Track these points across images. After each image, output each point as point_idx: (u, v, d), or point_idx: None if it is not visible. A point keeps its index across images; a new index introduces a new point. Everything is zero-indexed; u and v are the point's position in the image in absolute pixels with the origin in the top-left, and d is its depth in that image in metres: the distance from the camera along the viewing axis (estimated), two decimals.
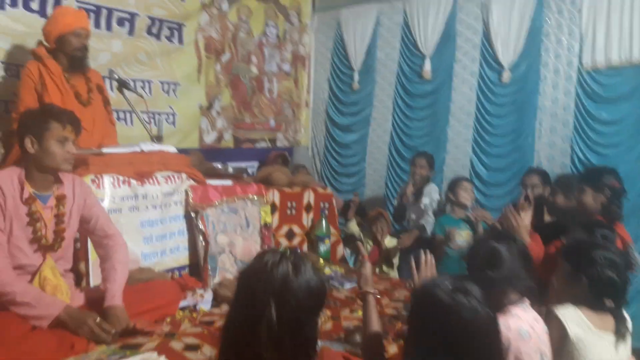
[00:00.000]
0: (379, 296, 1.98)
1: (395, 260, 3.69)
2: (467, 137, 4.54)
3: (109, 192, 2.38)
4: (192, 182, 2.79)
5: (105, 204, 2.35)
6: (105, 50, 3.72)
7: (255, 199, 3.00)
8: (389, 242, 3.66)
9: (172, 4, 4.16)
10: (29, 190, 1.91)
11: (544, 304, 1.85)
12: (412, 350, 1.32)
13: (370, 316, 1.79)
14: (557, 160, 4.08)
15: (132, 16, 3.88)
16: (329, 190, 3.71)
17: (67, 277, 2.04)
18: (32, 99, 2.70)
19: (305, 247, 3.41)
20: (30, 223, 1.90)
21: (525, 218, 2.54)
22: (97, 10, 3.66)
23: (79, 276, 2.22)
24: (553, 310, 1.76)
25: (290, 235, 3.36)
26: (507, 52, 4.25)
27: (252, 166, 4.82)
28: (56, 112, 1.96)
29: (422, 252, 2.04)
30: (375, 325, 1.77)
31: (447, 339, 1.22)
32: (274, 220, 3.18)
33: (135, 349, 1.87)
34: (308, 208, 3.44)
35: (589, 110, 3.94)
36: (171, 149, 2.87)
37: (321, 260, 3.24)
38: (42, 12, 3.33)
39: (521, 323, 1.63)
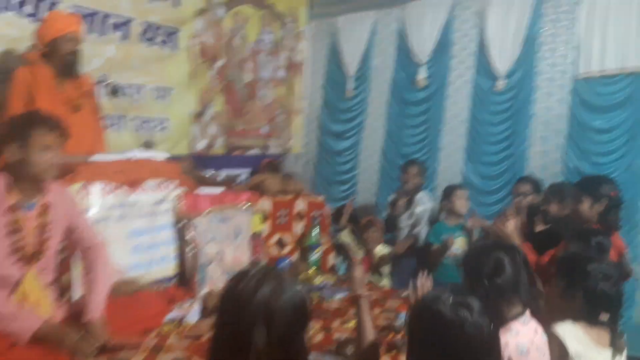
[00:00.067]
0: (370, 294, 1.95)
1: (386, 269, 3.66)
2: (460, 145, 4.55)
3: (97, 200, 2.35)
4: (181, 190, 2.76)
5: (93, 213, 2.31)
6: (99, 55, 3.69)
7: (246, 207, 2.98)
8: (381, 250, 3.64)
9: (167, 9, 4.15)
10: (12, 199, 1.87)
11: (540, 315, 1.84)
12: None
13: (364, 322, 1.75)
14: (550, 168, 4.08)
15: (127, 21, 3.86)
16: (321, 198, 3.69)
17: (50, 289, 2.00)
18: (21, 104, 2.67)
19: (295, 256, 3.38)
20: (12, 232, 1.85)
21: (510, 226, 2.53)
22: (92, 15, 3.64)
23: (62, 288, 2.18)
24: (552, 328, 1.74)
25: (280, 244, 3.33)
26: (502, 60, 4.25)
27: (244, 173, 4.79)
28: (39, 119, 1.91)
29: (420, 273, 2.03)
30: (370, 332, 1.74)
31: (449, 354, 1.23)
32: (264, 228, 3.15)
33: None
34: (300, 216, 3.42)
35: (582, 118, 3.95)
36: (162, 155, 2.85)
37: (311, 270, 3.21)
38: (35, 16, 3.31)
39: (520, 339, 1.62)
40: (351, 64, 5.14)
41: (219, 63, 4.69)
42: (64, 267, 2.18)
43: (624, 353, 1.82)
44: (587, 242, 2.27)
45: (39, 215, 1.93)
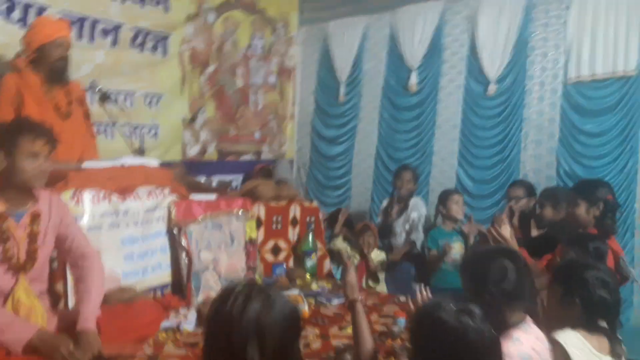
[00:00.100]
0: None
1: (382, 275, 3.64)
2: (453, 150, 4.55)
3: (88, 208, 2.30)
4: (174, 197, 2.71)
5: (85, 220, 2.26)
6: (88, 61, 3.65)
7: (240, 213, 2.94)
8: (377, 255, 3.62)
9: (156, 15, 4.12)
10: (0, 207, 1.83)
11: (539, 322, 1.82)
12: None
13: (361, 328, 1.73)
14: (543, 172, 4.10)
15: (116, 27, 3.82)
16: (315, 203, 3.67)
17: (42, 298, 1.95)
18: (10, 112, 2.62)
19: (291, 262, 3.35)
20: (0, 242, 1.81)
21: (506, 231, 2.52)
22: (81, 21, 3.60)
23: (55, 298, 2.13)
24: (554, 336, 1.73)
25: (276, 250, 3.30)
26: (494, 65, 4.27)
27: (236, 179, 4.76)
28: (25, 126, 1.87)
29: (419, 287, 2.03)
30: (368, 336, 1.72)
31: None
32: (259, 235, 3.12)
33: None
34: (294, 222, 3.39)
35: (574, 122, 3.97)
36: (154, 162, 2.80)
37: (308, 276, 3.18)
38: (23, 22, 3.27)
39: (522, 347, 1.59)
40: (343, 69, 5.14)
41: (210, 68, 4.66)
42: (58, 275, 2.14)
43: (623, 359, 1.82)
44: (585, 247, 2.26)
45: (29, 224, 1.89)
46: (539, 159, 4.13)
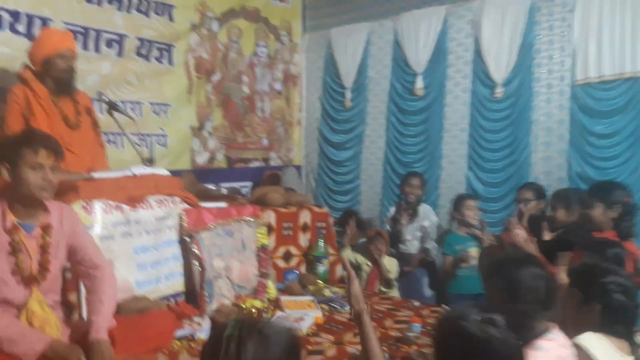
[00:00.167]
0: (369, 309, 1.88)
1: (395, 281, 3.61)
2: (461, 153, 4.52)
3: (100, 218, 2.29)
4: (185, 205, 2.70)
5: (97, 230, 2.25)
6: (94, 72, 3.67)
7: (251, 220, 2.92)
8: (388, 262, 3.58)
9: (161, 25, 4.14)
10: (12, 219, 1.82)
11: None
12: None
13: (369, 341, 1.68)
14: (554, 174, 4.06)
15: (121, 37, 3.84)
16: (325, 209, 3.65)
17: (56, 309, 1.94)
18: (18, 124, 2.63)
19: (303, 269, 3.33)
20: (12, 254, 1.80)
21: (521, 236, 2.49)
22: (85, 32, 3.61)
23: (69, 308, 2.12)
24: (575, 340, 1.70)
25: (287, 256, 3.28)
26: (499, 68, 4.25)
27: (245, 186, 4.75)
28: (28, 138, 1.86)
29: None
30: (378, 352, 1.66)
31: None
32: (270, 241, 3.10)
33: None
34: (305, 228, 3.37)
35: (584, 124, 3.93)
36: (163, 171, 2.79)
37: (320, 282, 3.15)
38: (28, 34, 3.29)
39: (548, 355, 1.56)
40: (348, 75, 5.13)
41: (216, 77, 4.66)
42: (71, 286, 2.12)
43: None
44: (603, 253, 2.23)
45: (41, 236, 1.88)
46: (549, 161, 4.10)
